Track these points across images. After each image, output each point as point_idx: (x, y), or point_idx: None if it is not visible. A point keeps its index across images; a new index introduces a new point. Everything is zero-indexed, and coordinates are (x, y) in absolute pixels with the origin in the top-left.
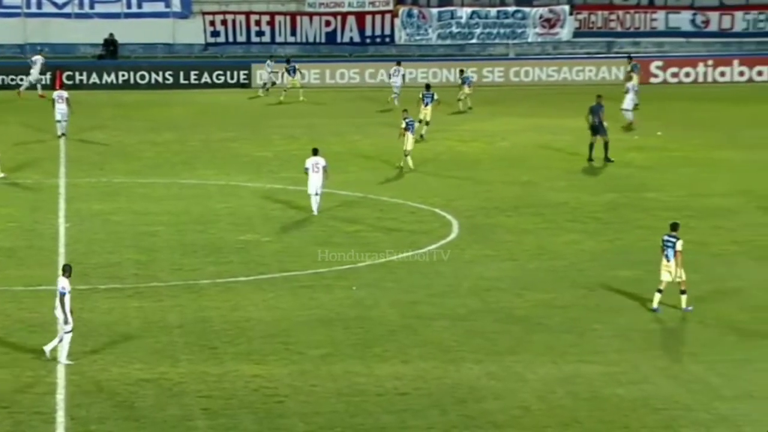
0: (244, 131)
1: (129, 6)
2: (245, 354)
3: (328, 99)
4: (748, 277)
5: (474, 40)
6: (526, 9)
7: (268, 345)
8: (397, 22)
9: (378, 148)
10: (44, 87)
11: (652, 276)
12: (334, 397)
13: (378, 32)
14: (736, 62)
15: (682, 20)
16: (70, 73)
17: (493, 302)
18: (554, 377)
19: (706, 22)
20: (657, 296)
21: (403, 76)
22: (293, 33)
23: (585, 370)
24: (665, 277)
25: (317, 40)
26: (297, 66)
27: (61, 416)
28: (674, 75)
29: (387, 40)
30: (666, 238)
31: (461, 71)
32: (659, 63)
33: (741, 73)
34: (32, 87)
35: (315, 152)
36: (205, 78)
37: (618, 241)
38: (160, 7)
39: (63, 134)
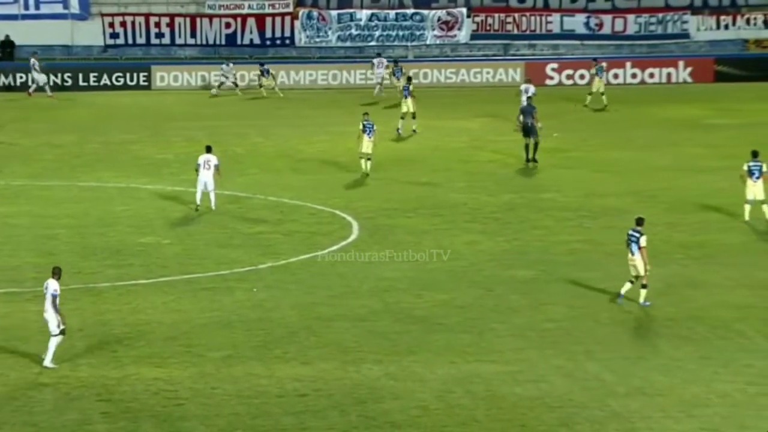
0: (144, 133)
1: (26, 7)
2: (145, 357)
3: (230, 101)
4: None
5: (373, 42)
6: (425, 11)
7: (169, 348)
8: (297, 24)
9: (279, 150)
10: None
11: (549, 276)
12: (234, 399)
13: (278, 34)
14: (628, 64)
15: (577, 23)
16: None
17: (392, 303)
18: (453, 377)
19: (600, 25)
20: (627, 285)
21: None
22: (193, 35)
23: (483, 369)
24: (633, 271)
25: (217, 42)
26: (269, 68)
27: None
28: (569, 77)
29: (287, 41)
30: (630, 232)
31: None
32: (555, 65)
33: (633, 75)
34: (40, 89)
35: (208, 149)
36: (105, 80)
37: (515, 241)
38: (58, 8)
39: None
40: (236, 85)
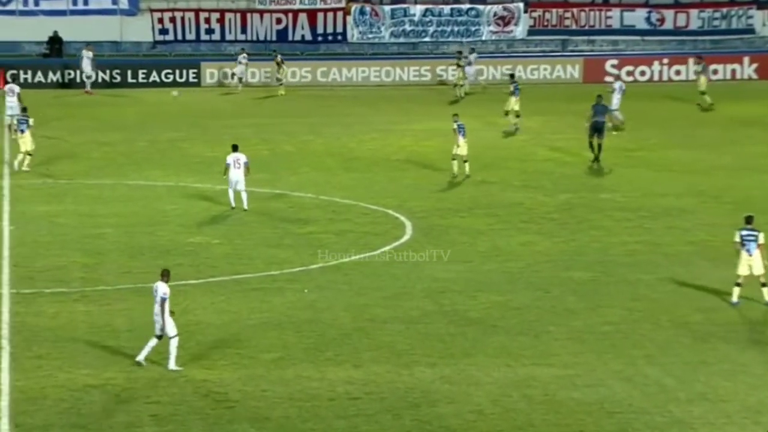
0: (193, 131)
1: (75, 3)
2: (195, 358)
3: (280, 98)
4: (703, 278)
5: (427, 38)
6: (480, 6)
7: (219, 349)
8: (350, 19)
9: (330, 148)
10: (93, 84)
11: (607, 277)
12: (285, 402)
13: (330, 30)
14: (691, 61)
15: (638, 18)
16: (14, 71)
17: (447, 304)
18: (509, 380)
19: (661, 20)
20: (736, 290)
21: None
22: (243, 31)
23: (540, 373)
24: (743, 271)
25: (268, 38)
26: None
27: (5, 423)
28: (629, 73)
29: (339, 38)
30: (744, 232)
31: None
32: (614, 61)
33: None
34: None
35: (235, 148)
36: (154, 77)
37: (573, 242)
38: (106, 3)
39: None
40: (240, 80)
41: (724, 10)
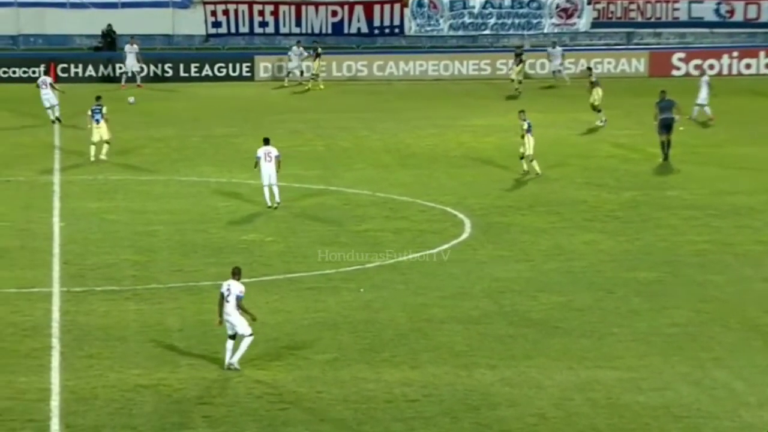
0: (246, 126)
1: None
2: (248, 359)
3: (335, 93)
4: None
5: (487, 31)
6: None
7: (272, 349)
8: (407, 12)
9: (386, 144)
10: (129, 79)
11: (674, 278)
12: (340, 403)
13: (387, 23)
14: (762, 54)
15: (706, 10)
16: (65, 65)
17: (507, 305)
18: (571, 383)
19: (731, 12)
20: None
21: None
22: (298, 23)
23: (603, 375)
24: None
25: (323, 31)
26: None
27: (55, 424)
28: (697, 67)
29: (396, 30)
30: None
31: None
32: (681, 55)
33: (767, 66)
34: (131, 79)
35: (266, 142)
36: (206, 71)
37: (638, 241)
38: None
39: (57, 119)
40: (302, 73)
41: None
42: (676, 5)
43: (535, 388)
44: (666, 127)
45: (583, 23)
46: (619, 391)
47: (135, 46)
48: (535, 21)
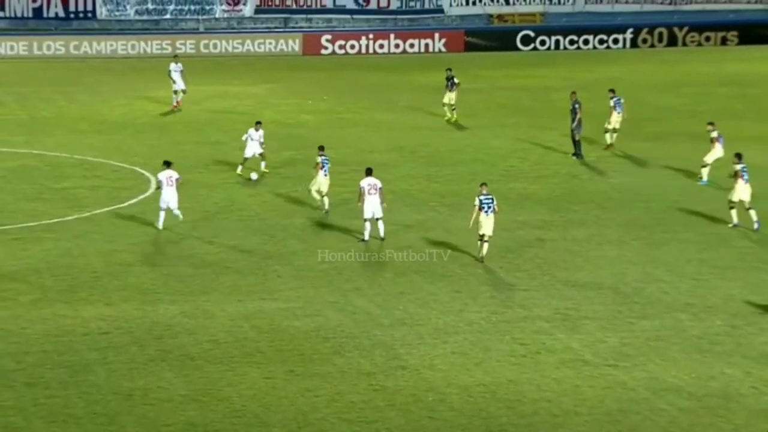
0: None
1: None
2: None
3: (37, 69)
4: (402, 221)
5: (168, 16)
6: None
7: None
8: None
9: (83, 113)
10: None
11: (321, 224)
12: (43, 337)
13: (81, 8)
14: (392, 36)
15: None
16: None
17: (187, 249)
18: (240, 314)
19: (367, 1)
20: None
21: None
22: (2, 8)
23: (267, 306)
24: (477, 231)
25: (25, 15)
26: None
27: None
28: (341, 47)
29: (89, 15)
30: (482, 197)
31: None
32: (328, 36)
33: (396, 46)
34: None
35: (168, 165)
36: None
37: (294, 193)
38: None
39: None
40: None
41: None
42: None
43: (210, 319)
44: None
45: (248, 10)
46: (279, 318)
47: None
48: (208, 7)
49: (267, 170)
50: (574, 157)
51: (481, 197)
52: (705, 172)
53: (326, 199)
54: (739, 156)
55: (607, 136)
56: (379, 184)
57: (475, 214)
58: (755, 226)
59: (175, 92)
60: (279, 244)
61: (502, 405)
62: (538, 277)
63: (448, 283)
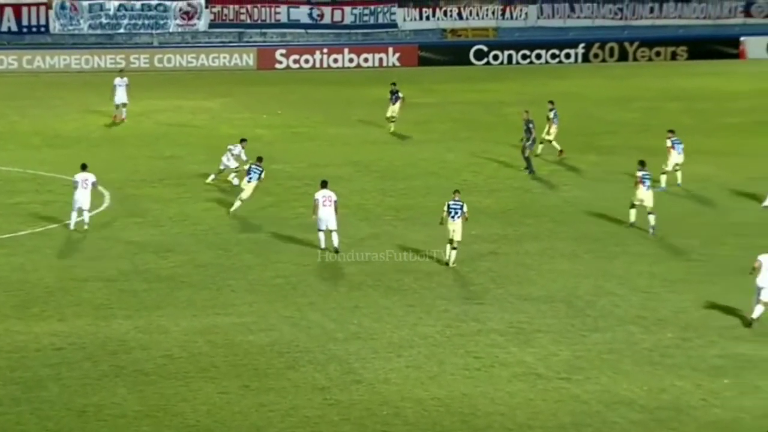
0: None
1: None
2: None
3: None
4: (357, 235)
5: (122, 30)
6: (168, 2)
7: None
8: (52, 13)
9: (35, 128)
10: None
11: (278, 237)
12: None
13: (34, 22)
14: (346, 50)
15: (302, 14)
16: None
17: (141, 264)
18: (195, 328)
19: (321, 16)
20: (449, 250)
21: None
22: None
23: (221, 321)
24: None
25: None
26: None
27: None
28: (296, 61)
29: (42, 29)
30: (451, 203)
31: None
32: (283, 51)
33: (351, 60)
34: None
35: (83, 168)
36: None
37: (248, 207)
38: None
39: None
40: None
41: (372, 7)
42: (278, 9)
43: (164, 334)
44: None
45: (202, 24)
46: (234, 333)
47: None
48: (162, 22)
49: (236, 183)
50: (527, 171)
51: (451, 203)
52: (663, 179)
53: (238, 203)
54: (642, 163)
55: (554, 144)
56: (333, 197)
57: (443, 216)
58: (650, 231)
59: (117, 106)
60: (233, 258)
61: (456, 419)
62: (492, 291)
63: (403, 296)
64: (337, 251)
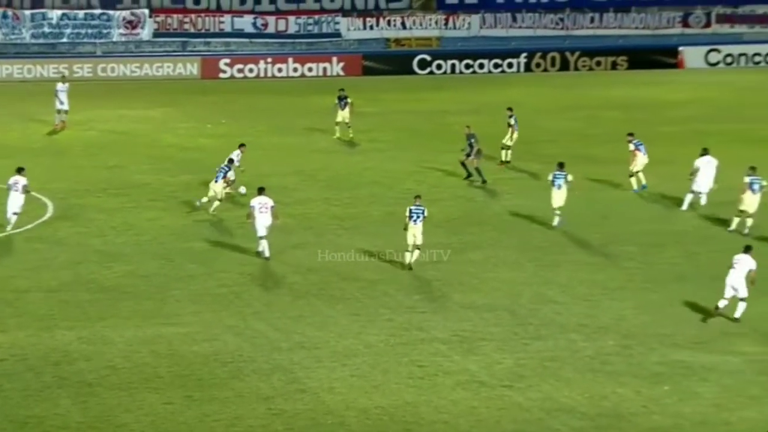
0: None
1: None
2: None
3: None
4: (301, 244)
5: (65, 39)
6: (111, 12)
7: None
8: None
9: None
10: None
11: (221, 246)
12: None
13: None
14: (290, 60)
15: (246, 23)
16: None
17: (84, 274)
18: (138, 339)
19: (265, 25)
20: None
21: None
22: None
23: (165, 331)
24: (411, 240)
25: None
26: None
27: None
28: (240, 71)
29: None
30: (413, 207)
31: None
32: (227, 60)
33: (295, 69)
34: None
35: (18, 171)
36: None
37: (192, 217)
38: None
39: None
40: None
41: (316, 17)
42: (222, 19)
43: (108, 344)
44: (477, 153)
45: (146, 33)
46: (177, 343)
47: None
48: (105, 31)
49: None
50: (467, 180)
51: (412, 207)
52: (634, 182)
53: (204, 199)
54: (560, 165)
55: (503, 152)
56: (270, 203)
57: (405, 222)
58: (555, 222)
59: (58, 112)
60: (177, 268)
61: (400, 427)
62: (436, 300)
63: (347, 306)
64: (267, 258)
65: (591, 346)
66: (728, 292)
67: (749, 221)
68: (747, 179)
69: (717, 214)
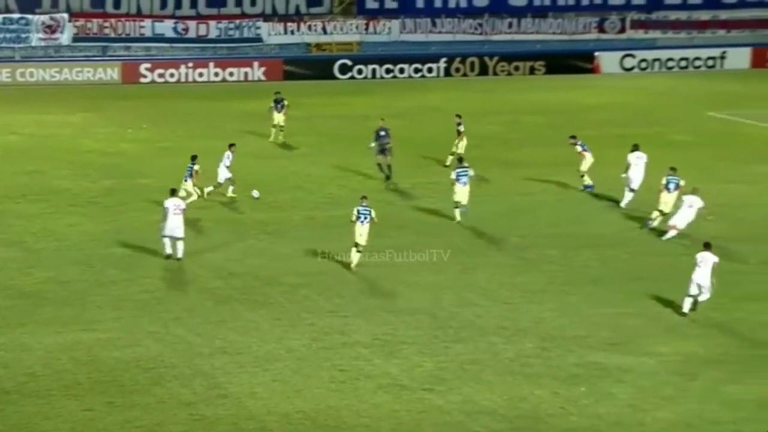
0: None
1: None
2: None
3: None
4: (224, 248)
5: None
6: (30, 16)
7: None
8: None
9: None
10: None
11: (142, 252)
12: None
13: None
14: (211, 64)
15: (166, 28)
16: None
17: (3, 280)
18: (58, 345)
19: (186, 30)
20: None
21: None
22: None
23: (85, 337)
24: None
25: None
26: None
27: None
28: (161, 76)
29: None
30: (360, 208)
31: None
32: (148, 65)
33: (216, 74)
34: None
35: None
36: None
37: (114, 222)
38: None
39: None
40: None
41: (237, 21)
42: (142, 23)
43: (27, 351)
44: (383, 151)
45: (65, 38)
46: (98, 349)
47: None
48: (24, 36)
49: (235, 195)
50: (388, 182)
51: (360, 208)
52: (587, 179)
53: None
54: (460, 160)
55: (451, 159)
56: (182, 205)
57: (352, 221)
58: (458, 216)
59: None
60: (98, 273)
61: None
62: (357, 303)
63: (269, 310)
64: (179, 259)
65: (511, 349)
66: (693, 290)
67: (658, 216)
68: (664, 179)
69: (634, 213)
